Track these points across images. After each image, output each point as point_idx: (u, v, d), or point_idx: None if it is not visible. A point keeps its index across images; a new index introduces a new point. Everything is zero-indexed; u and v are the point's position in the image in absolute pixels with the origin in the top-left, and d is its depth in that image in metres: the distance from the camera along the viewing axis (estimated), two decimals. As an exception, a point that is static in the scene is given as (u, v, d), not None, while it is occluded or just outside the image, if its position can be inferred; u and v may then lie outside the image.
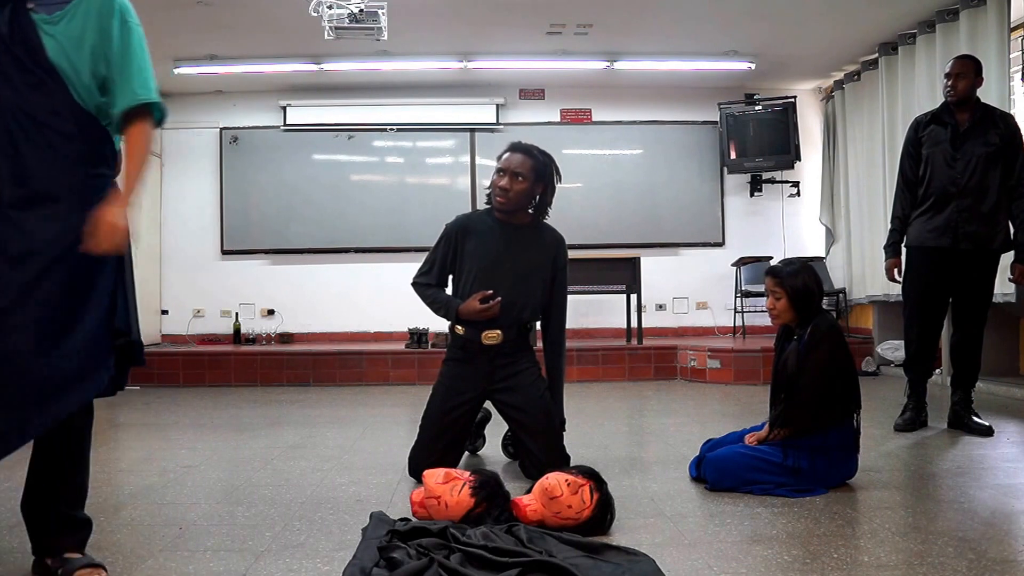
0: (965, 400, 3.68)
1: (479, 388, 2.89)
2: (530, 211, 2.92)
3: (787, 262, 2.81)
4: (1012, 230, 3.58)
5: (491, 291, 2.82)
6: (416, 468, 2.79)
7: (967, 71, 3.54)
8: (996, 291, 4.69)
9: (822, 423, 2.62)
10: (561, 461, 2.77)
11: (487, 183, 2.97)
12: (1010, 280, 3.65)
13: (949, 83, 3.57)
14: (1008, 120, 3.61)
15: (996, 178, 3.52)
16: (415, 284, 3.00)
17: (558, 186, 2.95)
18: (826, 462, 2.62)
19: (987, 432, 3.53)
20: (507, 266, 2.87)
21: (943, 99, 3.66)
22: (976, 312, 3.67)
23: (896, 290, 4.65)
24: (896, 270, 3.77)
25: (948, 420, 3.72)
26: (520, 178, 2.83)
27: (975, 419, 3.61)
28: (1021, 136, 3.56)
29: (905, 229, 3.74)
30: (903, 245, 3.76)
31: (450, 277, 3.00)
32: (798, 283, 2.70)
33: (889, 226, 3.83)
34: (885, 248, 3.82)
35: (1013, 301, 4.65)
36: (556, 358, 2.96)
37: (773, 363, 2.86)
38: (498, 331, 2.85)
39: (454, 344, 2.97)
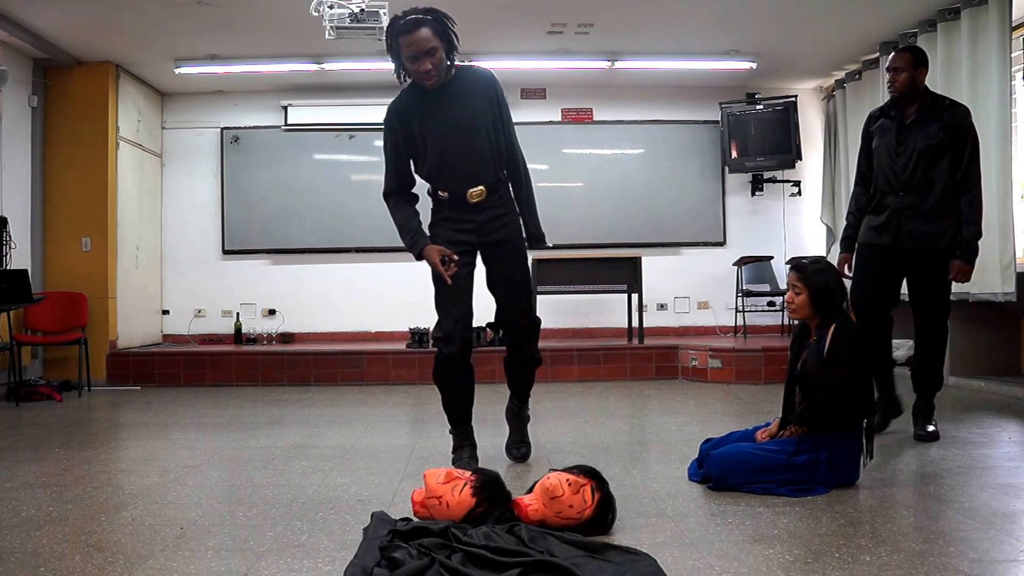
0: (925, 406, 3.52)
1: (472, 244, 2.96)
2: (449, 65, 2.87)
3: (813, 260, 2.80)
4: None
5: (455, 255, 2.85)
6: (440, 335, 2.89)
7: (906, 64, 3.39)
8: (997, 290, 4.70)
9: (836, 422, 2.63)
10: (529, 319, 3.06)
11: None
12: (949, 278, 3.43)
13: (889, 77, 3.46)
14: (956, 111, 3.39)
15: (942, 173, 3.35)
16: (385, 198, 3.00)
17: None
18: (840, 457, 2.63)
19: (931, 438, 3.41)
20: (452, 126, 2.86)
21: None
22: (932, 314, 3.46)
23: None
24: (847, 265, 3.66)
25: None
26: (435, 51, 2.77)
27: (927, 427, 3.46)
28: (969, 128, 3.37)
29: (859, 224, 3.63)
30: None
31: (411, 163, 3.00)
32: (820, 281, 2.72)
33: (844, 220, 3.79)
34: (840, 243, 3.75)
35: (1014, 301, 4.64)
36: (526, 192, 3.03)
37: (788, 363, 2.87)
38: (481, 187, 2.91)
39: (443, 206, 2.99)
